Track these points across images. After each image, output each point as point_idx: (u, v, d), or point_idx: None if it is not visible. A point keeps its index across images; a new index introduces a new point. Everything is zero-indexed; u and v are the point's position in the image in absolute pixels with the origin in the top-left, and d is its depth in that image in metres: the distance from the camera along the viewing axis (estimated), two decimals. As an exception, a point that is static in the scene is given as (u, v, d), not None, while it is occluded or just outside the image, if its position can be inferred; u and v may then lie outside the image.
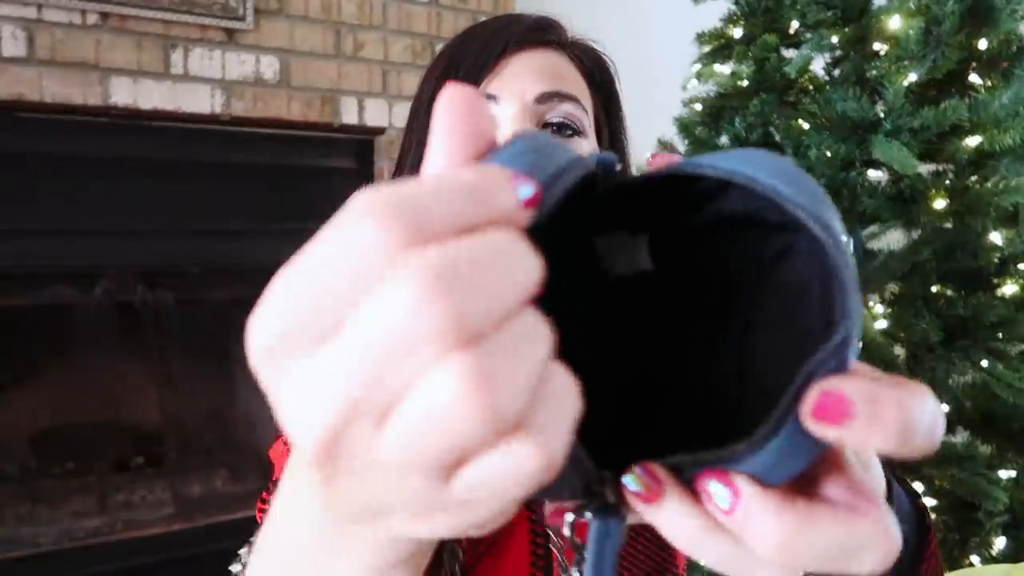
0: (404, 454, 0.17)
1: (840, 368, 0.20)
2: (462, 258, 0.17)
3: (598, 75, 0.65)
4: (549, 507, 0.25)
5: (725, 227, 0.28)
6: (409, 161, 0.63)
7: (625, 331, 0.31)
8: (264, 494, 0.61)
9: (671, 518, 0.22)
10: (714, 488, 0.22)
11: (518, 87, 0.59)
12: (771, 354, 0.27)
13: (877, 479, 0.25)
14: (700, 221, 0.28)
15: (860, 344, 0.22)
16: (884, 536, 0.21)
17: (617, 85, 0.67)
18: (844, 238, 0.21)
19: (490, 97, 0.59)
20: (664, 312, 0.30)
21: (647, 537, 0.61)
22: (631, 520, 0.24)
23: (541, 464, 0.18)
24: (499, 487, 0.18)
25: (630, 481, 0.23)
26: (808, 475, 0.23)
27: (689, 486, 0.23)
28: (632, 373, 0.31)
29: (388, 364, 0.17)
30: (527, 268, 0.18)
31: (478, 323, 0.16)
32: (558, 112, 0.60)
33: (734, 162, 0.23)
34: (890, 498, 0.40)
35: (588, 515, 0.23)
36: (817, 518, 0.21)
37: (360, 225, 0.18)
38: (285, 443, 0.62)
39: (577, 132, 0.60)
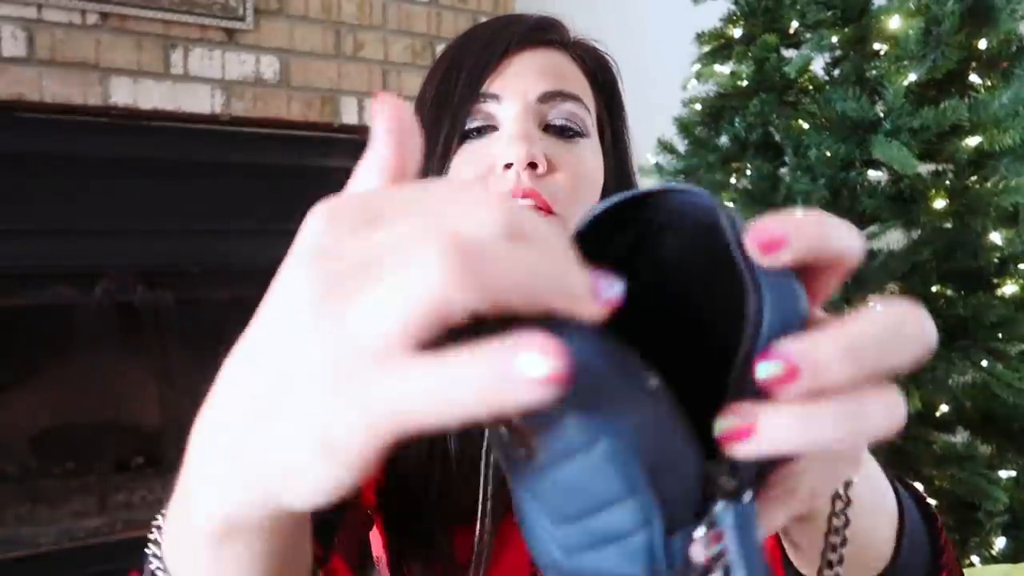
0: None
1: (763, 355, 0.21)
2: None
3: (600, 75, 0.65)
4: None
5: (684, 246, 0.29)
6: None
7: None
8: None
9: (779, 426, 0.21)
10: (767, 368, 0.21)
11: (520, 86, 0.59)
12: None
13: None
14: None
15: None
16: (921, 321, 0.23)
17: (620, 85, 0.67)
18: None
19: (492, 96, 0.59)
20: (641, 324, 0.30)
21: None
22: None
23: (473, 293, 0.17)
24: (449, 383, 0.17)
25: (720, 427, 0.21)
26: None
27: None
28: None
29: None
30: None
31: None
32: (560, 111, 0.59)
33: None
34: (902, 513, 0.39)
35: (719, 514, 0.21)
36: (857, 320, 0.23)
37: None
38: None
39: (579, 133, 0.60)
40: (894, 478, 0.41)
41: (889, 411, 0.21)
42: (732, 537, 0.21)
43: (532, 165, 0.56)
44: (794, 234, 0.22)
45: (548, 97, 0.59)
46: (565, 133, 0.60)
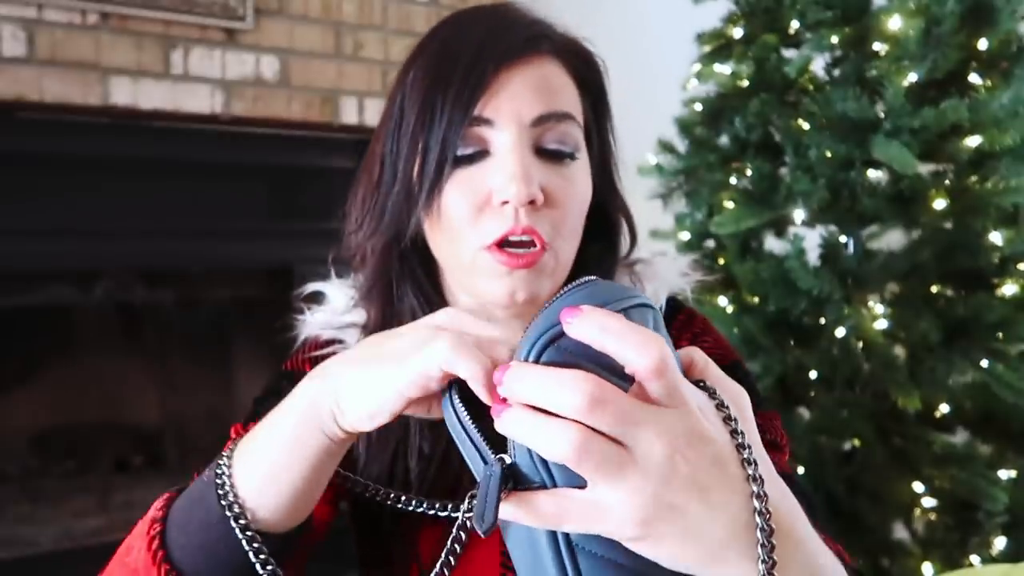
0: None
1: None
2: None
3: (588, 75, 0.63)
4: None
5: None
6: (397, 188, 0.60)
7: None
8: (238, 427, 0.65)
9: (514, 418, 0.36)
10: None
11: (514, 109, 0.57)
12: None
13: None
14: None
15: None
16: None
17: (606, 83, 0.65)
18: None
19: (485, 121, 0.57)
20: None
21: None
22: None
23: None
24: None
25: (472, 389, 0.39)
26: None
27: None
28: None
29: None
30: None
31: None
32: (554, 135, 0.58)
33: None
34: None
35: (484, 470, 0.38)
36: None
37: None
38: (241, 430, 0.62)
39: (571, 156, 0.59)
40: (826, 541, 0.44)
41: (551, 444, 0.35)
42: (481, 481, 0.37)
43: (531, 202, 0.56)
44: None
45: (542, 120, 0.57)
46: (558, 156, 0.59)
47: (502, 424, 0.36)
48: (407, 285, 0.64)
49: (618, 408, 0.33)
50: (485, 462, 0.38)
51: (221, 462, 0.48)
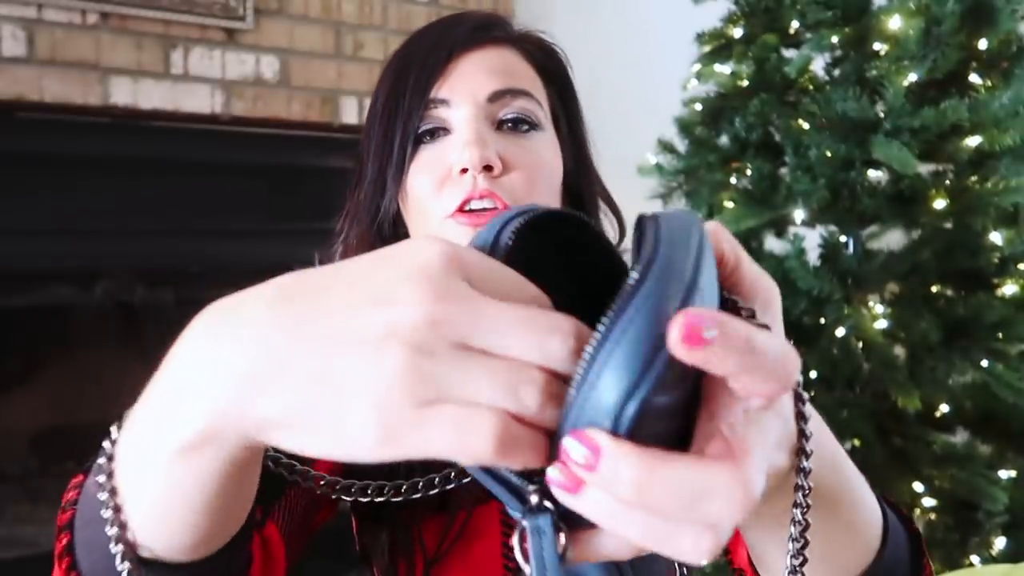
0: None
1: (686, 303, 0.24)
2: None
3: (550, 65, 0.65)
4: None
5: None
6: (369, 176, 0.62)
7: None
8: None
9: (595, 502, 0.24)
10: (574, 448, 0.23)
11: (469, 88, 0.59)
12: None
13: (762, 435, 0.26)
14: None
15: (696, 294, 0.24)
16: (738, 487, 0.23)
17: (570, 73, 0.67)
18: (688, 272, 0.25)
19: (442, 101, 0.59)
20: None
21: None
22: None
23: (491, 444, 0.24)
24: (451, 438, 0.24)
25: (553, 473, 0.24)
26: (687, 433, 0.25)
27: None
28: None
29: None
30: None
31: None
32: (512, 108, 0.60)
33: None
34: (886, 529, 0.41)
35: (521, 519, 0.26)
36: (671, 461, 0.23)
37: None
38: None
39: (533, 126, 0.61)
40: (880, 497, 0.42)
41: (696, 548, 0.24)
42: (531, 542, 0.26)
43: (487, 167, 0.57)
44: (722, 342, 0.22)
45: (497, 96, 0.59)
46: (519, 127, 0.60)
47: None
48: None
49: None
50: (523, 501, 0.26)
51: (101, 480, 0.33)
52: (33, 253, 1.89)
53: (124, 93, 1.91)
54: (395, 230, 0.64)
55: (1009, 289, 1.46)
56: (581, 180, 0.67)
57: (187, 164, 2.04)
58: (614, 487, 0.23)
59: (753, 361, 0.23)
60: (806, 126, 1.52)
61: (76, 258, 1.95)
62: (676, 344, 0.22)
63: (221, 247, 2.11)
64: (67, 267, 1.99)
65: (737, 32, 1.68)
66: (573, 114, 0.67)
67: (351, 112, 2.24)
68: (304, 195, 2.17)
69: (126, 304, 2.16)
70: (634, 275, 0.24)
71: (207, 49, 2.02)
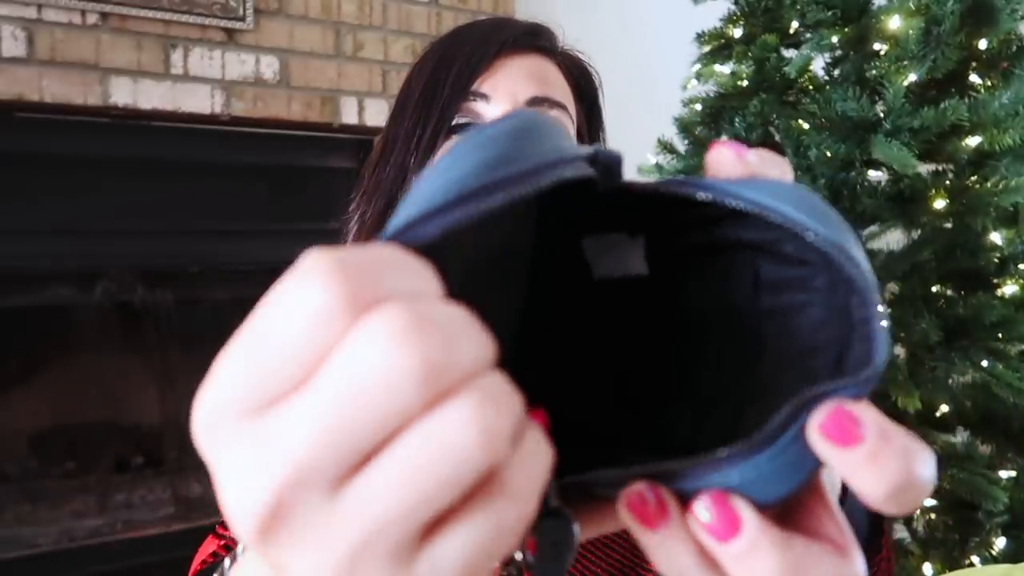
0: (367, 521, 0.16)
1: (856, 398, 0.20)
2: (426, 313, 0.16)
3: (583, 85, 0.66)
4: None
5: (732, 251, 0.28)
6: (393, 159, 0.62)
7: (603, 333, 0.31)
8: (219, 527, 0.57)
9: (667, 546, 0.21)
10: (710, 512, 0.20)
11: (510, 88, 0.60)
12: (768, 377, 0.26)
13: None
14: (703, 241, 0.28)
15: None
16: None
17: (600, 98, 0.68)
18: (870, 275, 0.22)
19: (482, 96, 0.60)
20: (649, 321, 0.30)
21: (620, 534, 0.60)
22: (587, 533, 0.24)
23: (518, 524, 0.17)
24: (471, 556, 0.17)
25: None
26: (786, 508, 0.22)
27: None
28: (600, 375, 0.31)
29: (355, 416, 0.16)
30: (483, 339, 0.17)
31: (448, 374, 0.16)
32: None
33: (757, 192, 0.23)
34: (843, 500, 0.40)
35: (540, 522, 0.23)
36: (815, 556, 0.20)
37: (308, 286, 0.17)
38: None
39: None
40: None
41: None
42: (541, 544, 0.22)
43: None
44: (870, 444, 0.19)
45: (536, 102, 0.60)
46: None
47: None
48: None
49: None
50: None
51: None
52: (33, 253, 1.89)
53: (124, 93, 1.91)
54: None
55: (1009, 289, 1.46)
56: None
57: (187, 164, 2.04)
58: (744, 567, 0.20)
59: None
60: (806, 126, 1.52)
61: (76, 258, 1.95)
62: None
63: (221, 247, 2.11)
64: (67, 267, 1.99)
65: (737, 32, 1.68)
66: (596, 137, 0.69)
67: (351, 112, 2.24)
68: (304, 195, 2.17)
69: (126, 304, 2.16)
70: None
71: (207, 49, 2.02)
